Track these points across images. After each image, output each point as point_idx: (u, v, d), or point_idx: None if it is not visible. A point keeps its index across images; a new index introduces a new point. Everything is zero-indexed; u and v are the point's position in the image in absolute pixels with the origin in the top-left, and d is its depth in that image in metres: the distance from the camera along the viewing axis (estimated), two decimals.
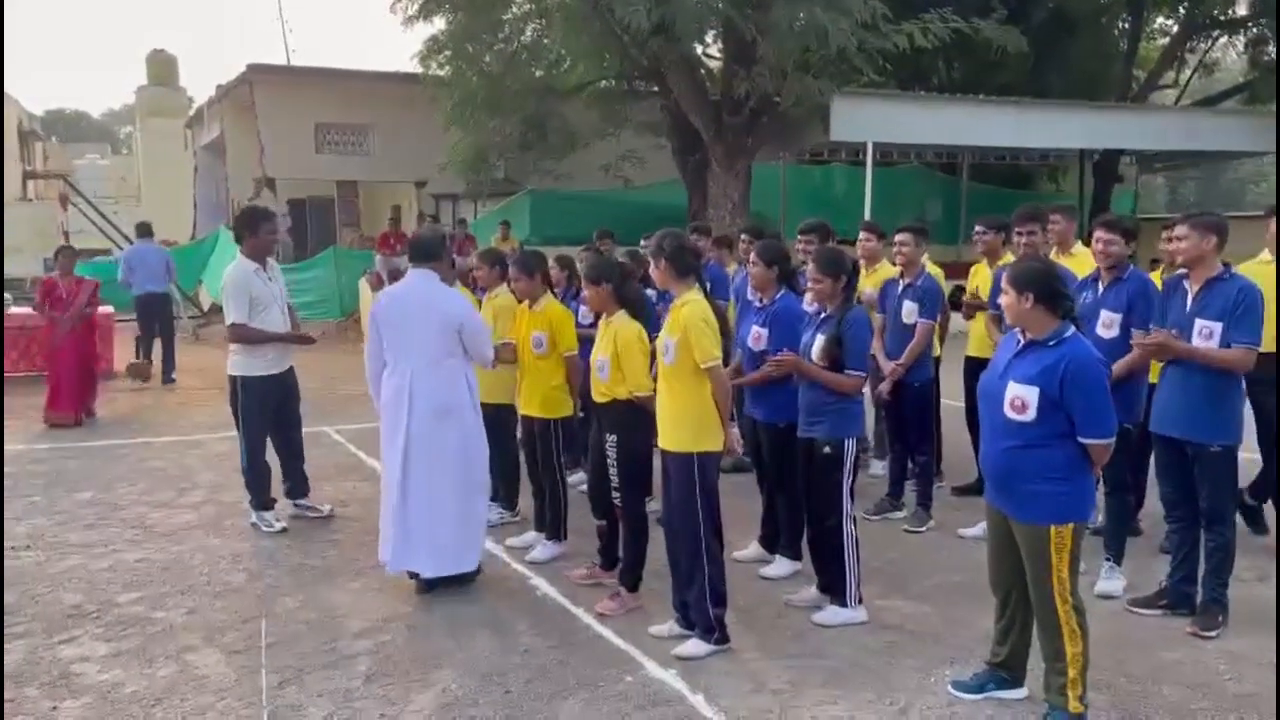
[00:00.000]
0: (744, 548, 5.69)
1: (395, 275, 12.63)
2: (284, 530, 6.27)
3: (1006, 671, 4.01)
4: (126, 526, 6.33)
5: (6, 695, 4.08)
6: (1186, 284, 4.69)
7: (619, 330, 4.86)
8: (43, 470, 7.73)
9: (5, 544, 5.94)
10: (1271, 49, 20.87)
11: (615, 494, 4.99)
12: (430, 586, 5.19)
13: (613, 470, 4.95)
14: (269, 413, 6.36)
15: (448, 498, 5.10)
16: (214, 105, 24.43)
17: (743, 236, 7.68)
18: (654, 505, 6.41)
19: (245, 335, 6.21)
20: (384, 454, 5.24)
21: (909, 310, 6.30)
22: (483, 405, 6.25)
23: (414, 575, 5.20)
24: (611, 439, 4.92)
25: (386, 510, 5.17)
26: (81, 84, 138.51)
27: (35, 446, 8.49)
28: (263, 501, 6.37)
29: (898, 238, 6.43)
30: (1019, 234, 5.98)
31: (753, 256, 5.52)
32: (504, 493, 6.43)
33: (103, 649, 4.54)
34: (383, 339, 5.18)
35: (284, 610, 4.99)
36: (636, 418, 4.84)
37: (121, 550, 5.87)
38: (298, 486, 6.62)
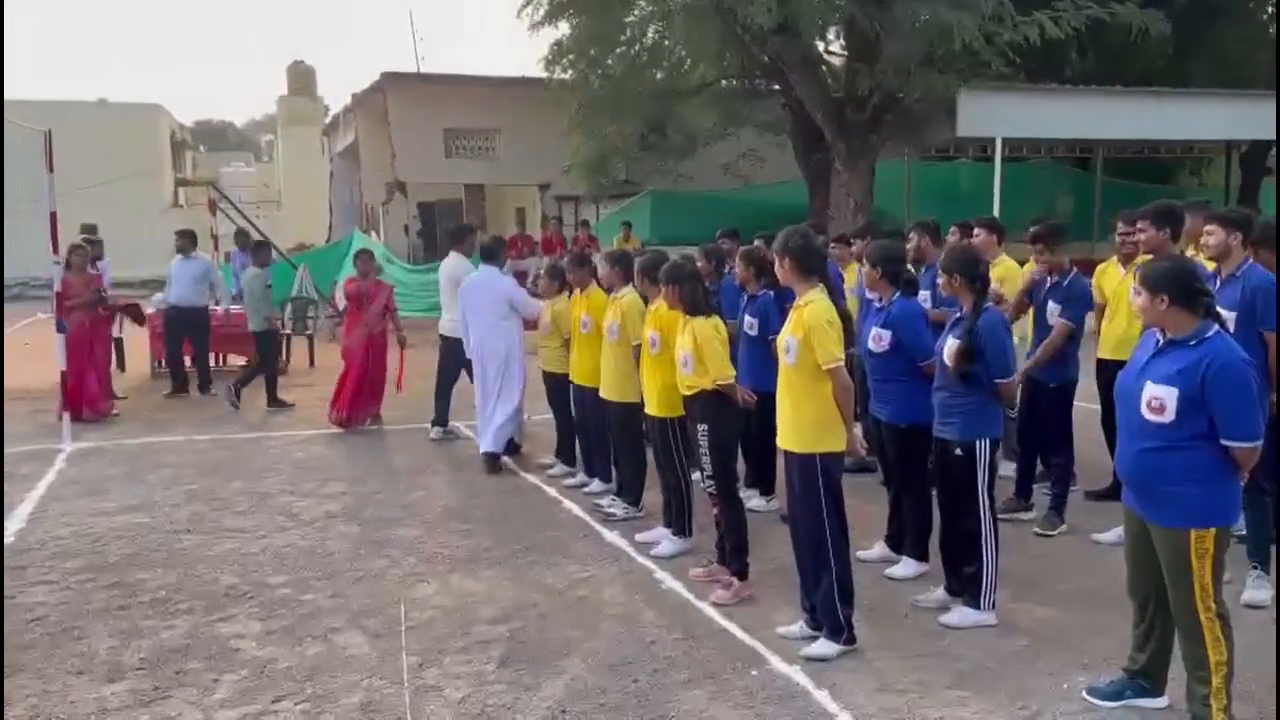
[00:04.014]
0: (869, 548, 5.66)
1: (521, 277, 12.98)
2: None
3: (1146, 679, 3.90)
4: (275, 514, 6.71)
5: (173, 668, 4.40)
6: None
7: (696, 327, 5.14)
8: (201, 460, 8.24)
9: (167, 527, 6.39)
10: None
11: (709, 481, 5.23)
12: (495, 468, 7.73)
13: (705, 459, 5.19)
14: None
15: (512, 403, 7.79)
16: (349, 113, 25.44)
17: (849, 238, 7.74)
18: (775, 504, 6.47)
19: None
20: (475, 381, 7.90)
21: (1052, 310, 6.18)
22: (610, 403, 6.52)
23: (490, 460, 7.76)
24: (702, 428, 5.19)
25: (480, 419, 7.90)
26: (227, 96, 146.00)
27: (194, 438, 9.04)
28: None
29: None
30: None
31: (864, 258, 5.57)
32: (629, 488, 6.56)
33: (257, 627, 4.84)
34: (466, 311, 7.86)
35: (421, 596, 5.23)
36: (723, 406, 5.17)
37: (271, 536, 6.23)
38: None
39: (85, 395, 9.69)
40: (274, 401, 10.43)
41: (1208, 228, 5.09)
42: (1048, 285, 6.26)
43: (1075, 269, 6.27)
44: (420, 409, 9.86)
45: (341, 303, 10.20)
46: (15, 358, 13.07)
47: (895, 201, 17.58)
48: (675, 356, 5.35)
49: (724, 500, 5.23)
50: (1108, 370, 6.19)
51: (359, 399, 9.31)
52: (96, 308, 10.17)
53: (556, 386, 7.47)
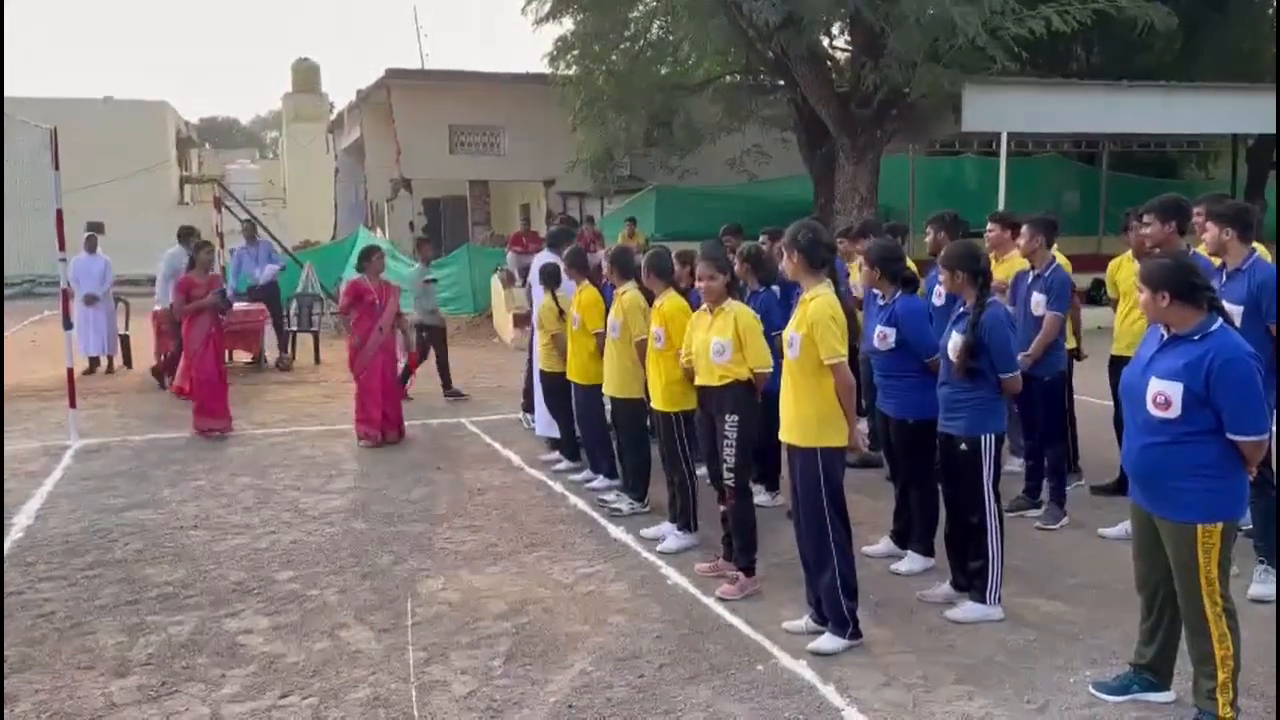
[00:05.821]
0: (875, 543, 5.66)
1: (526, 273, 12.99)
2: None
3: (1152, 674, 3.90)
4: (282, 510, 6.73)
5: (181, 663, 4.41)
6: None
7: (739, 314, 5.11)
8: (207, 456, 8.26)
9: (174, 523, 6.41)
10: None
11: (729, 474, 5.15)
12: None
13: (729, 450, 5.11)
14: None
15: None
16: (354, 110, 25.43)
17: (839, 237, 7.66)
18: (780, 499, 6.48)
19: None
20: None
21: (1037, 302, 6.16)
22: (614, 399, 6.53)
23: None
24: (732, 419, 5.10)
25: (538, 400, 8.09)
26: (232, 93, 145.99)
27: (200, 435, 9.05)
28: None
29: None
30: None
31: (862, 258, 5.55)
32: (634, 484, 6.56)
33: (264, 622, 4.86)
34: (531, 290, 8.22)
35: (427, 591, 5.23)
36: (753, 398, 5.11)
37: (278, 532, 6.24)
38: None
39: (212, 408, 9.01)
40: (449, 391, 10.56)
41: (1206, 223, 5.08)
42: (1030, 278, 6.25)
43: (1054, 260, 6.26)
44: (421, 408, 9.89)
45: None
46: (23, 355, 13.13)
47: (900, 196, 17.56)
48: (701, 346, 5.19)
49: (739, 495, 5.19)
50: (1120, 366, 6.17)
51: (395, 408, 8.82)
52: (219, 311, 9.21)
53: (552, 385, 7.49)
